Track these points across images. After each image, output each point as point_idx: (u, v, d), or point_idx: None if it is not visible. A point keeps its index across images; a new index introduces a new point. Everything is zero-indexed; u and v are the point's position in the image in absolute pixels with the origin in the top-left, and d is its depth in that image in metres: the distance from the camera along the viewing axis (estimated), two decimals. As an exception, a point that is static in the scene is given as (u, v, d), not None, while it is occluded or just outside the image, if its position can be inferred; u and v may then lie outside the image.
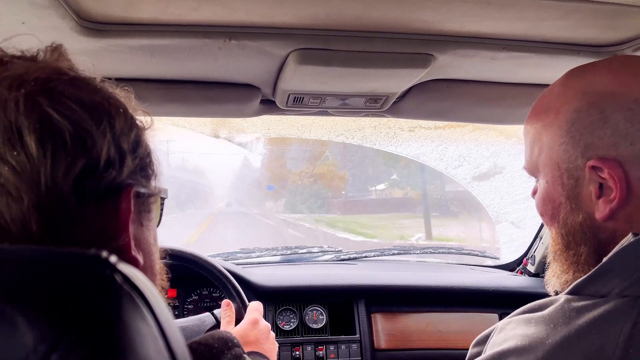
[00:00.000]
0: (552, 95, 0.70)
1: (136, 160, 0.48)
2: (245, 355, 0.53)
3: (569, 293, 0.59)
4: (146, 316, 0.31)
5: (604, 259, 0.57)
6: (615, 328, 0.52)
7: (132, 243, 0.46)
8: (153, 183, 0.52)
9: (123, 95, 0.51)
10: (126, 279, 0.31)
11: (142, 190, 0.49)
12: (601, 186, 0.62)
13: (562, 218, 0.68)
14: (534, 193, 0.76)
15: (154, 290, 0.33)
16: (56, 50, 0.48)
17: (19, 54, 0.46)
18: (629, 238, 0.57)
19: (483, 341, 0.69)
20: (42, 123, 0.40)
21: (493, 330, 0.67)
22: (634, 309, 0.53)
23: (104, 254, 0.32)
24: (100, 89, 0.47)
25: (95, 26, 0.81)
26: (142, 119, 0.52)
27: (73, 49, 0.85)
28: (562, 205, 0.67)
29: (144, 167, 0.50)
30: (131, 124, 0.49)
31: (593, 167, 0.62)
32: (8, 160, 0.38)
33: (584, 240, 0.66)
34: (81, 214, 0.41)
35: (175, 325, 0.34)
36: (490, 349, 0.62)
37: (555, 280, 0.72)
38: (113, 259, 0.32)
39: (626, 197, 0.60)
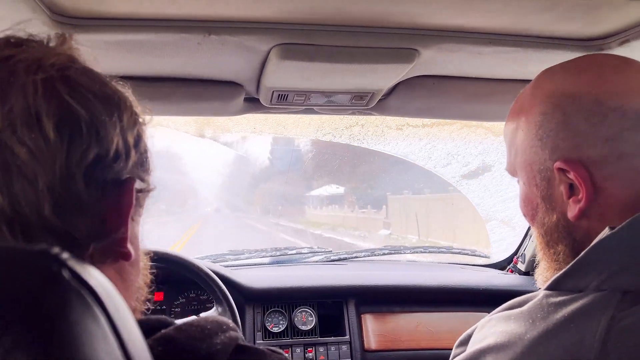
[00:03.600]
0: (525, 97, 0.71)
1: (137, 154, 0.49)
2: (242, 339, 0.51)
3: (548, 288, 0.59)
4: (97, 314, 0.29)
5: (581, 254, 0.57)
6: (593, 321, 0.52)
7: (129, 237, 0.47)
8: (148, 179, 0.53)
9: (125, 90, 0.52)
10: (75, 275, 0.29)
11: (141, 185, 0.50)
12: (571, 187, 0.63)
13: (540, 218, 0.69)
14: None
15: (109, 288, 0.32)
16: (66, 39, 0.49)
17: (28, 36, 0.46)
18: (605, 232, 0.57)
19: (466, 341, 0.70)
20: (60, 109, 0.41)
21: (475, 328, 0.68)
22: (611, 302, 0.53)
23: (55, 249, 0.30)
24: (108, 82, 0.49)
25: (68, 20, 0.79)
26: (142, 115, 0.53)
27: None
28: (539, 206, 0.68)
29: (143, 162, 0.51)
30: (135, 119, 0.50)
31: (560, 169, 0.63)
32: (26, 142, 0.39)
33: (560, 239, 0.66)
34: (88, 203, 0.42)
35: (133, 326, 0.33)
36: (471, 346, 0.63)
37: (540, 277, 0.73)
38: (64, 255, 0.30)
39: (594, 196, 0.61)
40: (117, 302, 0.32)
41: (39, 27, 0.77)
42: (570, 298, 0.55)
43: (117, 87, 0.49)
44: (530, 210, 0.70)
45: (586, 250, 0.57)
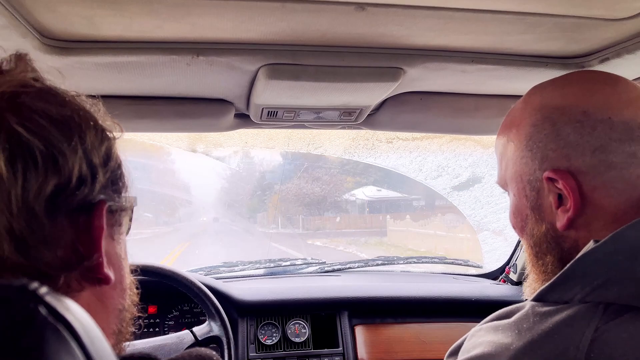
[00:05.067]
0: (515, 111, 0.72)
1: (107, 174, 0.46)
2: None
3: (534, 300, 0.60)
4: (74, 350, 0.30)
5: (567, 266, 0.58)
6: (578, 332, 0.53)
7: (104, 260, 0.45)
8: (124, 196, 0.50)
9: (91, 105, 0.49)
10: (52, 311, 0.30)
11: (114, 204, 0.48)
12: (560, 197, 0.64)
13: (529, 229, 0.70)
14: None
15: (86, 323, 0.32)
16: (21, 59, 0.46)
17: None
18: (590, 245, 0.57)
19: (456, 351, 0.71)
20: (10, 142, 0.38)
21: (465, 338, 0.68)
22: (596, 314, 0.53)
23: (33, 285, 0.31)
24: (68, 102, 0.46)
25: (59, 44, 0.80)
26: (111, 129, 0.51)
27: (39, 67, 0.85)
28: (529, 216, 0.69)
29: (115, 180, 0.49)
30: (102, 136, 0.47)
31: (549, 179, 0.64)
32: None
33: (549, 250, 0.67)
34: (53, 234, 0.40)
35: (110, 357, 0.33)
36: (461, 356, 0.63)
37: (529, 289, 0.73)
38: (42, 290, 0.31)
39: (581, 206, 0.62)
40: (94, 336, 0.32)
41: (30, 51, 0.78)
42: (556, 309, 0.56)
43: (80, 106, 0.47)
44: (520, 221, 0.71)
45: (571, 262, 0.57)
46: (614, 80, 0.65)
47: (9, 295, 0.30)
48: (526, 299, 0.67)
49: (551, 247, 0.67)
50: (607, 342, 0.52)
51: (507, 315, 0.62)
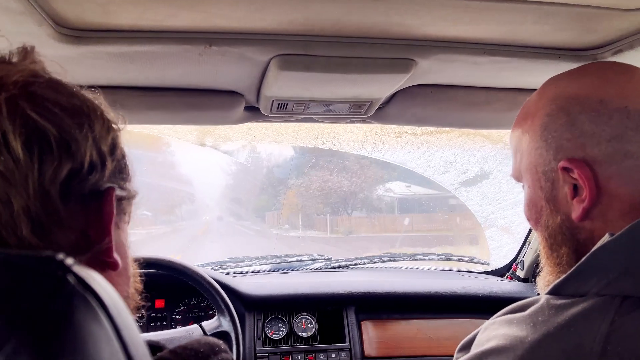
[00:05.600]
0: (530, 103, 0.72)
1: (114, 162, 0.48)
2: None
3: (549, 293, 0.59)
4: (101, 318, 0.30)
5: (582, 259, 0.57)
6: (594, 325, 0.53)
7: (114, 246, 0.47)
8: (128, 185, 0.52)
9: (94, 98, 0.51)
10: (80, 280, 0.30)
11: (121, 193, 0.49)
12: (575, 187, 0.64)
13: (544, 221, 0.70)
14: None
15: (112, 293, 0.33)
16: (28, 52, 0.47)
17: None
18: (605, 238, 0.57)
19: (468, 345, 0.70)
20: (26, 127, 0.40)
21: (477, 332, 0.68)
22: (612, 307, 0.53)
23: (60, 255, 0.31)
24: (76, 92, 0.48)
25: (73, 33, 0.81)
26: (115, 121, 0.52)
27: (51, 56, 0.84)
28: (543, 208, 0.69)
29: (121, 169, 0.50)
30: (108, 127, 0.49)
31: (564, 169, 0.64)
32: None
33: (564, 241, 0.67)
34: (67, 218, 0.42)
35: (134, 330, 0.34)
36: (474, 349, 0.63)
37: (542, 282, 0.73)
38: (69, 260, 0.31)
39: (597, 196, 0.62)
40: (120, 307, 0.33)
41: (44, 40, 0.78)
42: (572, 302, 0.56)
43: (86, 97, 0.48)
44: (534, 213, 0.71)
45: (587, 255, 0.57)
46: (631, 70, 0.65)
47: (38, 265, 0.30)
48: (538, 294, 0.67)
49: (566, 238, 0.67)
50: (623, 335, 0.52)
51: (521, 309, 0.61)
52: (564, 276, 0.59)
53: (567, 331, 0.54)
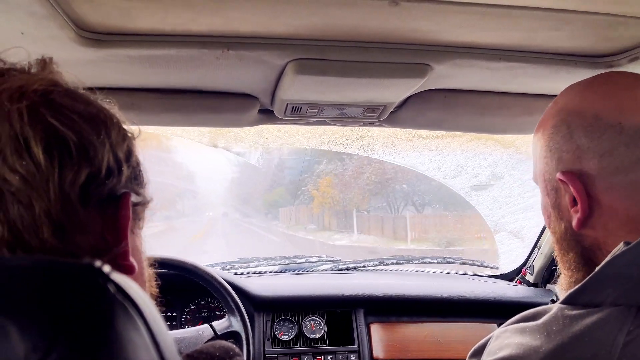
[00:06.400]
0: (546, 112, 0.74)
1: (130, 169, 0.49)
2: None
3: (564, 302, 0.59)
4: (139, 326, 0.31)
5: (597, 269, 0.57)
6: (609, 336, 0.53)
7: (130, 250, 0.48)
8: (144, 192, 0.54)
9: (109, 107, 0.52)
10: (119, 288, 0.31)
11: (136, 198, 0.51)
12: (574, 197, 0.65)
13: (552, 226, 0.72)
14: None
15: (147, 300, 0.33)
16: (47, 63, 0.49)
17: (10, 66, 0.47)
18: (620, 247, 0.57)
19: (479, 351, 0.70)
20: (47, 133, 0.41)
21: (489, 339, 0.68)
22: (629, 318, 0.53)
23: (98, 263, 0.32)
24: (93, 101, 0.49)
25: (94, 36, 0.82)
26: (130, 129, 0.54)
27: (72, 59, 0.87)
28: (551, 214, 0.71)
29: (136, 176, 0.52)
30: (123, 134, 0.50)
31: (561, 180, 0.66)
32: (17, 169, 0.39)
33: (570, 247, 0.69)
34: (86, 222, 0.43)
35: (168, 335, 0.34)
36: (486, 357, 0.63)
37: (559, 287, 0.74)
38: (106, 268, 0.32)
39: (590, 208, 0.64)
40: (155, 314, 0.33)
41: (66, 43, 0.79)
42: (586, 312, 0.56)
43: (102, 105, 0.50)
44: (546, 218, 0.74)
45: (601, 265, 0.57)
46: (635, 85, 0.65)
47: (79, 273, 0.31)
48: (552, 300, 0.68)
49: (572, 244, 0.68)
50: (639, 345, 0.52)
51: (533, 317, 0.62)
52: (578, 286, 0.58)
53: (582, 341, 0.54)
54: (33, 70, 0.47)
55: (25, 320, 0.27)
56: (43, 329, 0.27)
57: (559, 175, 0.66)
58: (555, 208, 0.69)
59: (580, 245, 0.67)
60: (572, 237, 0.68)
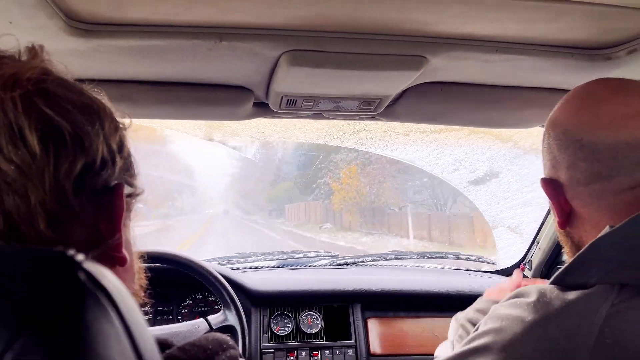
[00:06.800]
0: None
1: (122, 160, 0.49)
2: (242, 357, 0.53)
3: (552, 282, 0.63)
4: (111, 316, 0.30)
5: (581, 251, 0.61)
6: (593, 309, 0.56)
7: (123, 241, 0.47)
8: (135, 183, 0.53)
9: (100, 96, 0.51)
10: (91, 277, 0.30)
11: (128, 190, 0.50)
12: None
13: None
14: None
15: (122, 290, 0.33)
16: (37, 51, 0.48)
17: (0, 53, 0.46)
18: (606, 229, 0.61)
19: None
20: (42, 123, 0.40)
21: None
22: (611, 294, 0.57)
23: (70, 251, 0.31)
24: (84, 91, 0.48)
25: (84, 26, 0.80)
26: (121, 119, 0.53)
27: (62, 49, 0.85)
28: (551, 209, 0.78)
29: (128, 167, 0.51)
30: (116, 125, 0.50)
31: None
32: (13, 159, 0.39)
33: (565, 240, 0.75)
34: (80, 213, 0.42)
35: (144, 327, 0.33)
36: (477, 329, 0.68)
37: None
38: (79, 257, 0.31)
39: (563, 211, 0.71)
40: (130, 304, 0.33)
41: (55, 33, 0.78)
42: (573, 290, 0.60)
43: (94, 95, 0.49)
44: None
45: (585, 247, 0.61)
46: (614, 95, 0.67)
47: (48, 261, 0.30)
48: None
49: (565, 238, 0.75)
50: (621, 319, 0.55)
51: (526, 294, 0.65)
52: (564, 266, 0.62)
53: (567, 314, 0.58)
54: (24, 58, 0.46)
55: None
56: (7, 318, 0.26)
57: (540, 182, 0.73)
58: (550, 204, 0.75)
59: (570, 239, 0.73)
60: (562, 232, 0.74)
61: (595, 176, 0.65)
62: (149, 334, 0.34)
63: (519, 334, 0.59)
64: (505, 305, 0.65)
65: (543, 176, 0.74)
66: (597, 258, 0.60)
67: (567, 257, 0.77)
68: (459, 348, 0.67)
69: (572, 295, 0.59)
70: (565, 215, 0.71)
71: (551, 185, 0.71)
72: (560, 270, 0.62)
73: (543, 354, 0.57)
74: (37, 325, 0.27)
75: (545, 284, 0.64)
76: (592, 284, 0.59)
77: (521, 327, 0.59)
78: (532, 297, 0.62)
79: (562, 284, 0.62)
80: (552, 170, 0.72)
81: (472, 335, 0.66)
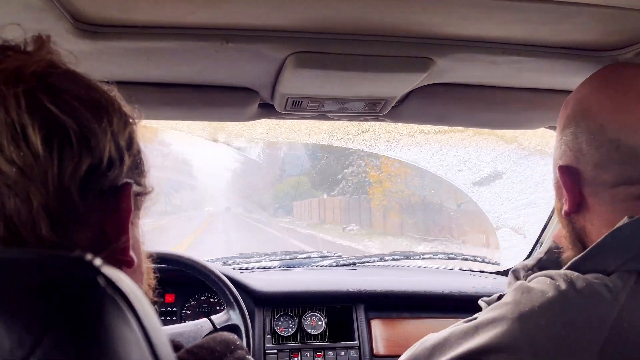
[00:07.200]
0: (571, 94, 0.77)
1: (131, 157, 0.47)
2: (248, 357, 0.52)
3: (569, 269, 0.63)
4: (130, 320, 0.30)
5: (600, 239, 0.61)
6: (614, 292, 0.57)
7: (131, 243, 0.46)
8: (145, 181, 0.51)
9: (110, 91, 0.49)
10: (110, 282, 0.30)
11: (137, 188, 0.48)
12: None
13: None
14: None
15: (139, 294, 0.33)
16: (44, 41, 0.46)
17: (5, 43, 0.44)
18: (624, 220, 0.61)
19: (492, 300, 0.79)
20: (46, 121, 0.38)
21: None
22: (629, 281, 0.58)
23: (88, 256, 0.31)
24: (93, 85, 0.46)
25: (91, 28, 0.80)
26: (131, 115, 0.51)
27: (68, 51, 0.85)
28: (555, 192, 0.77)
29: (137, 165, 0.49)
30: (125, 121, 0.48)
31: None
32: (14, 160, 0.37)
33: (564, 224, 0.75)
34: (86, 215, 0.41)
35: (161, 331, 0.34)
36: (503, 299, 0.67)
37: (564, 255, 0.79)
38: (97, 261, 0.31)
39: (575, 204, 0.69)
40: (147, 308, 0.33)
41: (62, 35, 0.78)
42: (590, 276, 0.60)
43: (103, 89, 0.47)
44: (554, 189, 0.78)
45: (604, 236, 0.61)
46: None
47: (67, 265, 0.30)
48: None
49: (565, 222, 0.74)
50: (638, 305, 0.56)
51: (549, 275, 0.65)
52: (582, 254, 0.63)
53: (587, 294, 0.58)
54: (30, 49, 0.44)
55: (11, 315, 0.27)
56: (29, 323, 0.26)
57: (558, 169, 0.70)
58: (558, 188, 0.74)
59: (572, 225, 0.73)
60: (565, 217, 0.73)
61: (624, 180, 0.64)
62: (165, 337, 0.34)
63: (537, 306, 0.59)
64: (524, 287, 0.65)
65: (560, 164, 0.71)
66: (616, 247, 0.60)
67: (563, 244, 0.76)
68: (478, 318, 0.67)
69: (593, 278, 0.59)
70: (576, 205, 0.69)
71: (570, 175, 0.69)
72: (576, 258, 0.63)
73: (557, 330, 0.57)
74: (59, 331, 0.27)
75: (562, 271, 0.64)
76: (610, 272, 0.59)
77: (540, 300, 0.59)
78: (556, 277, 0.62)
79: (579, 271, 0.62)
80: (573, 161, 0.69)
81: (493, 305, 0.67)
